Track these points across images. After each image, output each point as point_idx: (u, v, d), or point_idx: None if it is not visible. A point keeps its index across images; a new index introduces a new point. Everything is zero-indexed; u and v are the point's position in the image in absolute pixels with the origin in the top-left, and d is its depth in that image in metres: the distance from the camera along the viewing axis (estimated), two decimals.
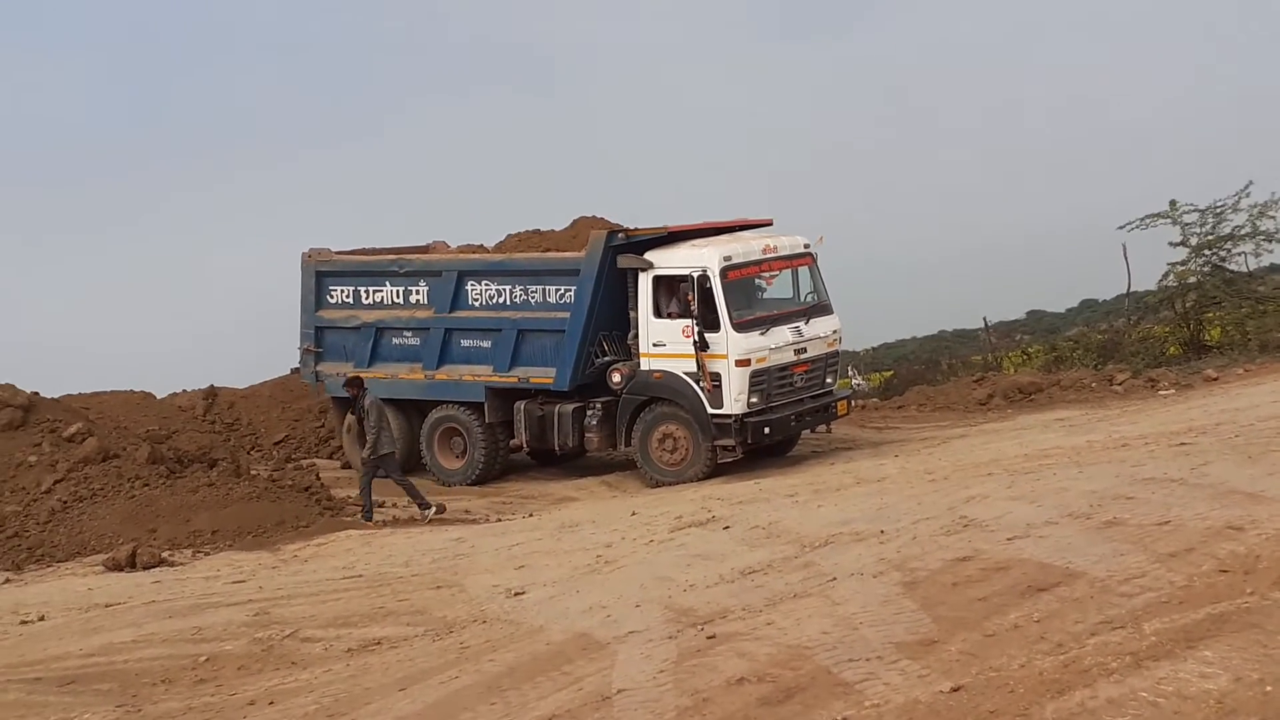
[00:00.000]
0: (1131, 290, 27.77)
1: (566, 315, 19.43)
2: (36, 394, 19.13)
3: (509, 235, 21.75)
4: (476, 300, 20.31)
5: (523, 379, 19.93)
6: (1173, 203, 25.70)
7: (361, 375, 20.69)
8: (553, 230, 21.43)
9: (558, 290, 19.61)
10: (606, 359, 19.30)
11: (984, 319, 30.31)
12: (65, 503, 17.38)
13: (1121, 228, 26.23)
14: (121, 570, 15.38)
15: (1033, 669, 7.27)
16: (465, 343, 20.43)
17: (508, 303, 20.04)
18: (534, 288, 19.81)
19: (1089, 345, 26.65)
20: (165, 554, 15.95)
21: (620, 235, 19.22)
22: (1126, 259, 26.75)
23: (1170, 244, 25.65)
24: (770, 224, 20.67)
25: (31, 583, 15.48)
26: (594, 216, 21.07)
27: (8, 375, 19.17)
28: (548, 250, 20.50)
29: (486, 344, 20.21)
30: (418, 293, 20.83)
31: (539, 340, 19.83)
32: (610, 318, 19.32)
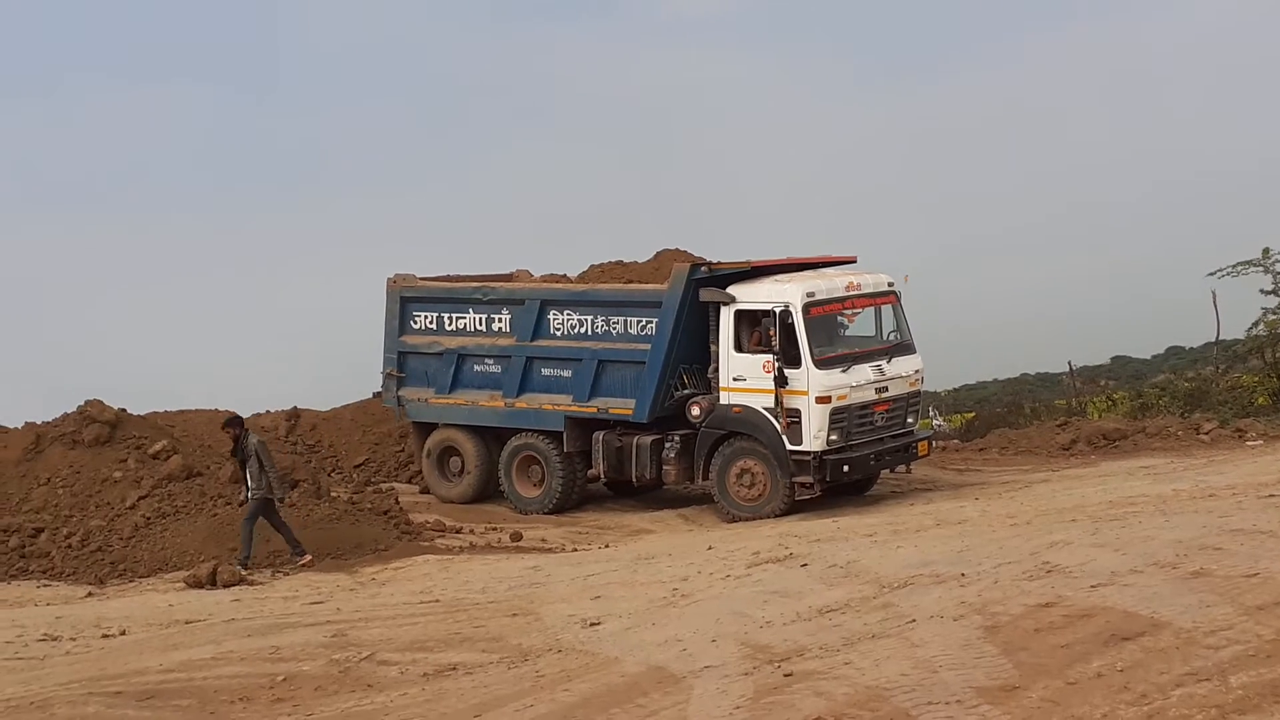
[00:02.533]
0: (1220, 338, 27.43)
1: (647, 347, 19.45)
2: (124, 411, 19.38)
3: (592, 266, 21.81)
4: (558, 330, 20.38)
5: (602, 409, 19.94)
6: (1266, 250, 25.42)
7: (426, 402, 20.84)
8: (635, 262, 21.47)
9: (639, 322, 19.63)
10: (686, 392, 19.29)
11: (1069, 363, 30.06)
12: (148, 519, 17.60)
13: (1212, 274, 25.98)
14: (202, 587, 15.55)
15: (1116, 719, 7.16)
16: (546, 371, 20.48)
17: (589, 333, 20.08)
18: (615, 319, 19.85)
19: (1176, 393, 26.29)
20: (245, 573, 16.10)
21: (703, 269, 19.21)
22: (1216, 306, 26.45)
23: (1261, 292, 25.37)
24: (854, 261, 20.57)
25: (114, 597, 15.68)
26: (677, 249, 21.10)
27: (97, 392, 19.46)
28: (630, 282, 20.54)
29: (567, 373, 20.26)
30: (500, 320, 20.93)
31: (619, 371, 19.84)
32: (691, 351, 19.31)
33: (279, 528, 17.01)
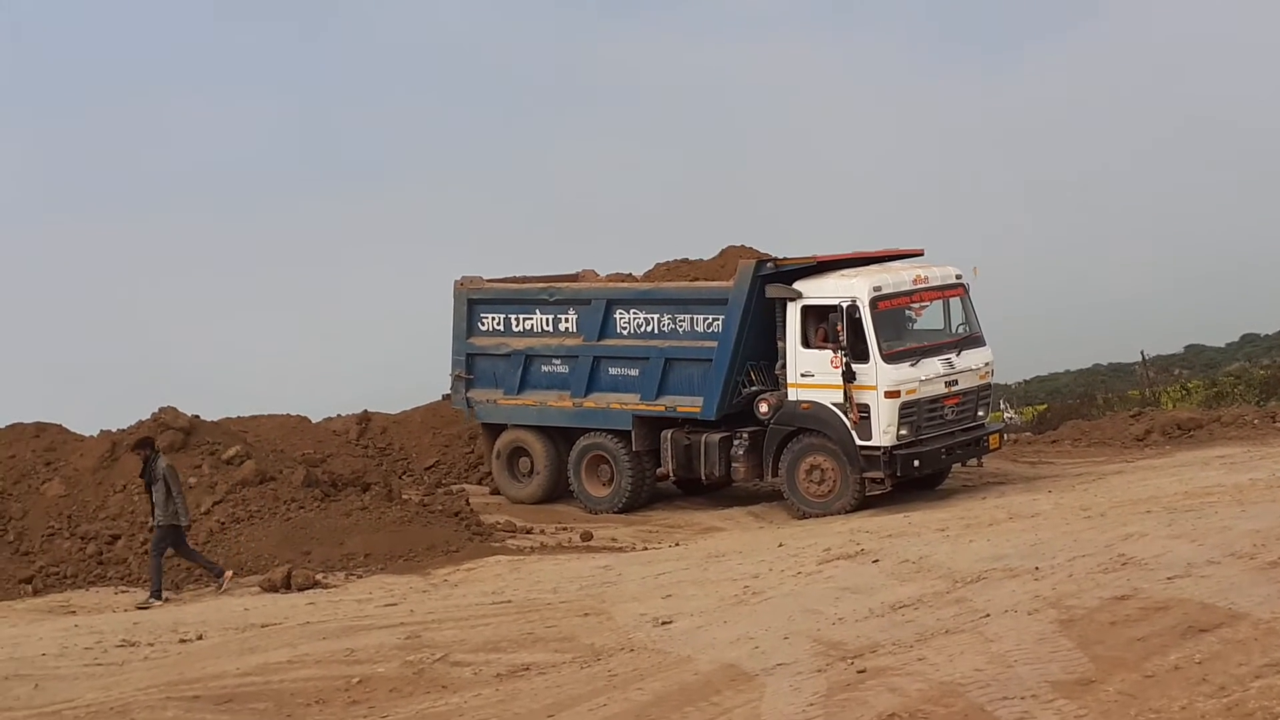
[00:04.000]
0: None
1: (714, 344, 19.44)
2: (197, 417, 19.58)
3: (657, 264, 21.80)
4: (624, 329, 20.41)
5: (669, 408, 19.95)
6: None
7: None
8: (701, 260, 21.44)
9: (705, 319, 19.63)
10: (754, 388, 19.25)
11: (1141, 353, 29.76)
12: (223, 524, 17.77)
13: None
14: (277, 591, 15.69)
15: (1194, 712, 7.08)
16: (613, 371, 20.52)
17: (655, 331, 20.11)
18: (682, 316, 19.86)
19: (1251, 381, 25.99)
20: (319, 576, 16.23)
21: (769, 264, 19.15)
22: None
23: None
24: (921, 254, 20.44)
25: (190, 602, 15.84)
26: (742, 246, 21.03)
27: (171, 398, 19.67)
28: (696, 280, 20.52)
29: (634, 372, 20.28)
30: (567, 320, 20.99)
31: (686, 369, 19.84)
32: (758, 347, 19.26)
33: (190, 556, 16.56)
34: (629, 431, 20.23)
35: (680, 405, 19.87)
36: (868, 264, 19.55)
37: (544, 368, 21.21)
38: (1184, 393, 27.16)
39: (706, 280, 20.28)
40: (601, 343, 20.55)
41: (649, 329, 20.18)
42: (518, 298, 21.59)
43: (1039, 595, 9.94)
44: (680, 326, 19.87)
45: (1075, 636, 8.71)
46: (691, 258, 21.60)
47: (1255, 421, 21.66)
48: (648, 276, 21.45)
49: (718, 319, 19.44)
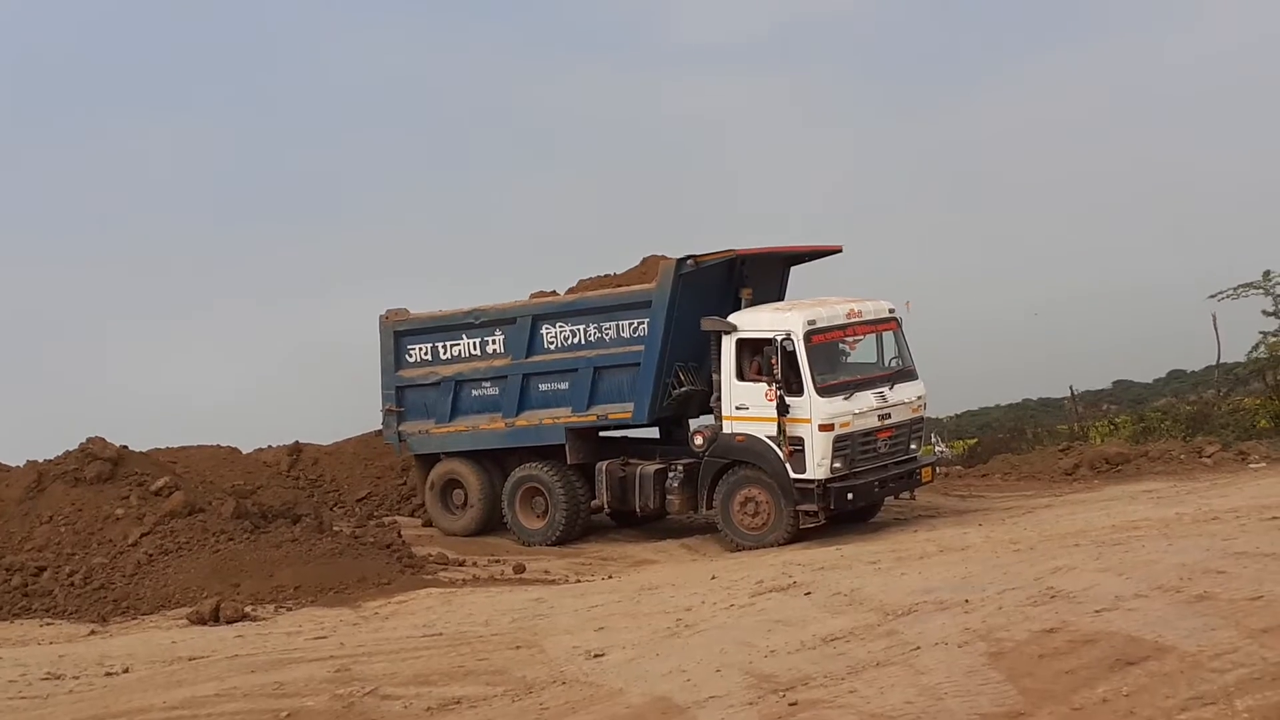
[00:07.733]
0: (1221, 361, 27.43)
1: (641, 348, 19.54)
2: (125, 447, 19.38)
3: (580, 281, 21.83)
4: (552, 343, 20.47)
5: (601, 416, 20.00)
6: (1267, 273, 25.50)
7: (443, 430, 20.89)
8: (623, 273, 21.46)
9: (631, 324, 19.73)
10: (683, 389, 19.34)
11: (1070, 388, 30.05)
12: (151, 555, 17.56)
13: (1213, 297, 26.02)
14: (205, 624, 15.50)
15: None
16: (543, 386, 20.55)
17: (582, 342, 20.20)
18: (607, 324, 19.95)
19: (1178, 416, 26.29)
20: (248, 608, 16.06)
21: (689, 262, 19.25)
22: (1216, 329, 26.46)
23: (1264, 314, 25.38)
24: (840, 250, 20.97)
25: (116, 635, 15.62)
26: (662, 256, 21.11)
27: (98, 428, 19.45)
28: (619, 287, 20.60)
29: (564, 385, 20.32)
30: (494, 342, 20.99)
31: (615, 376, 19.91)
32: (685, 348, 19.35)
33: None
34: (564, 454, 20.23)
35: (611, 413, 19.94)
36: (787, 262, 20.59)
37: (474, 392, 21.20)
38: (1112, 428, 27.39)
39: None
40: (530, 359, 20.59)
41: (576, 340, 20.26)
42: (444, 325, 21.56)
43: (969, 628, 10.00)
44: (606, 334, 19.96)
45: (1004, 669, 8.77)
46: (615, 272, 21.63)
47: (1182, 456, 21.91)
48: (571, 293, 21.47)
49: (643, 323, 19.54)
